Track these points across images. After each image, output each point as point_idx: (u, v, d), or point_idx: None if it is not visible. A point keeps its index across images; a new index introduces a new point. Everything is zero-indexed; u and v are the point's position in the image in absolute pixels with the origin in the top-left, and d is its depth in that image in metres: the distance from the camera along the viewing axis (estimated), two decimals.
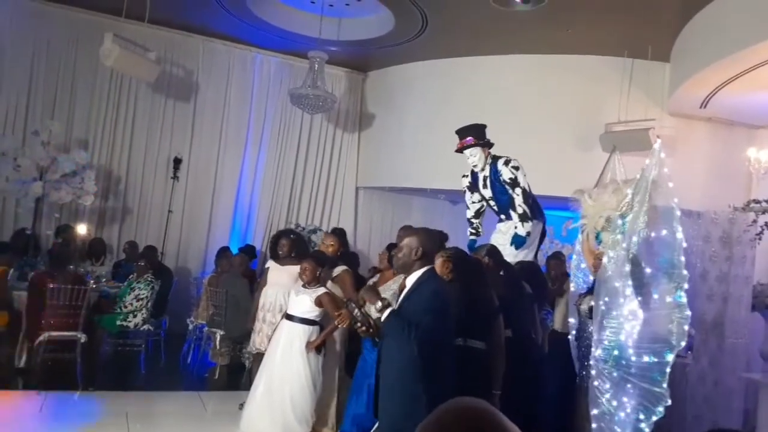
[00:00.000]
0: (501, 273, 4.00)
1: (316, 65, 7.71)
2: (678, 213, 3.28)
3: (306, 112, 8.05)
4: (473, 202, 5.58)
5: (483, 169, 5.33)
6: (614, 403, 3.17)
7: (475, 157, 5.32)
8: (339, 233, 5.70)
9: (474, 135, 5.31)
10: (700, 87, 6.29)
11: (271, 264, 5.36)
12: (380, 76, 9.42)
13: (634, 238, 3.23)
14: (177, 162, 8.44)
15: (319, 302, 4.71)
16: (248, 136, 8.98)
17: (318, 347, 4.74)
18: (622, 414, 3.15)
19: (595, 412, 3.28)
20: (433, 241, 3.32)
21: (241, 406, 4.91)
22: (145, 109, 8.36)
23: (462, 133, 5.40)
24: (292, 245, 5.31)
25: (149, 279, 6.35)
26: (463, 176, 5.59)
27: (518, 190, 5.13)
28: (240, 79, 8.88)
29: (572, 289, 4.27)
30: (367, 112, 9.58)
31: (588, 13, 6.36)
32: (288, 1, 7.59)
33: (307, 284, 4.77)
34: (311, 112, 8.07)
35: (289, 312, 4.79)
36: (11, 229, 7.52)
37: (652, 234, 3.25)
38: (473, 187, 5.50)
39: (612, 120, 7.04)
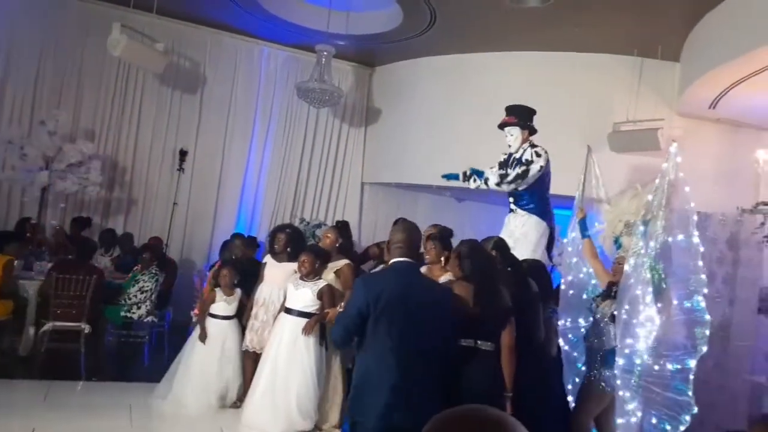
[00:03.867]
0: (508, 269, 3.94)
1: (324, 59, 7.68)
2: (695, 218, 3.25)
3: (312, 106, 8.03)
4: (497, 171, 5.60)
5: (517, 151, 5.38)
6: (639, 414, 3.14)
7: (512, 136, 5.40)
8: (340, 226, 5.67)
9: (517, 115, 5.40)
10: (709, 87, 6.24)
11: (268, 259, 5.33)
12: (387, 72, 9.38)
13: (652, 243, 3.20)
14: (183, 154, 8.43)
15: (321, 295, 4.72)
16: (254, 129, 8.97)
17: (321, 339, 4.75)
18: (649, 425, 3.12)
19: (620, 421, 3.25)
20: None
21: (236, 404, 4.90)
22: (151, 100, 8.35)
23: (509, 110, 5.49)
24: (289, 240, 5.28)
25: (153, 271, 6.36)
26: (502, 154, 5.61)
27: (521, 168, 5.18)
28: (247, 72, 8.86)
29: (571, 292, 4.24)
30: (373, 108, 9.55)
31: (597, 10, 6.31)
32: None
33: (305, 277, 4.77)
34: (318, 106, 8.05)
35: (289, 306, 4.78)
36: (17, 218, 7.54)
37: (669, 239, 3.22)
38: (504, 164, 5.50)
39: (620, 119, 6.99)
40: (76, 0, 7.84)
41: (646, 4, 5.98)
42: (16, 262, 5.93)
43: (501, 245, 4.02)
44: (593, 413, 3.80)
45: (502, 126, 5.47)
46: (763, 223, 5.41)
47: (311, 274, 4.77)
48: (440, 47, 8.12)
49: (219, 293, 5.19)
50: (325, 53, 7.63)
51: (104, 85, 8.09)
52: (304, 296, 4.76)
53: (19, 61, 7.64)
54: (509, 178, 5.25)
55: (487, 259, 3.60)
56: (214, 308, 5.17)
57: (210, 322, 5.14)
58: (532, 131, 5.45)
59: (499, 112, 6.64)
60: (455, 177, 5.50)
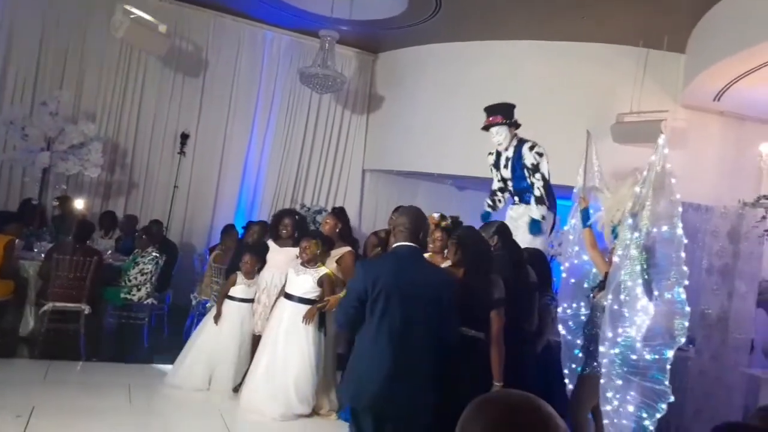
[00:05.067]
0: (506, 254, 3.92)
1: (327, 44, 7.66)
2: (680, 209, 3.26)
3: (315, 91, 8.01)
4: (498, 180, 5.65)
5: (507, 149, 5.37)
6: (617, 402, 3.17)
7: (500, 135, 5.37)
8: (338, 212, 5.66)
9: (503, 114, 5.35)
10: (714, 80, 6.22)
11: (270, 244, 5.32)
12: (391, 58, 9.34)
13: (636, 234, 3.21)
14: (184, 137, 8.42)
15: (321, 282, 4.73)
16: (256, 114, 8.94)
17: (320, 325, 4.77)
18: (626, 411, 3.15)
19: (606, 408, 3.29)
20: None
21: (236, 389, 4.93)
22: (153, 82, 8.32)
23: (490, 110, 5.44)
24: (295, 225, 5.29)
25: (154, 254, 6.36)
26: (489, 153, 5.65)
27: (538, 176, 5.21)
28: (250, 56, 8.82)
29: (572, 280, 4.25)
30: (376, 94, 9.51)
31: (604, 1, 6.27)
32: None
33: (306, 263, 4.78)
34: (320, 92, 8.03)
35: (289, 291, 4.79)
36: (18, 198, 7.54)
37: (654, 230, 3.23)
38: (496, 165, 5.54)
39: (624, 110, 6.97)
40: None
41: None
42: (17, 242, 5.94)
43: (502, 230, 4.01)
44: (590, 405, 3.83)
45: (487, 127, 5.44)
46: (764, 217, 5.40)
47: (313, 260, 4.78)
48: (444, 35, 8.07)
49: (240, 276, 5.23)
50: (328, 39, 7.60)
51: (106, 66, 8.05)
52: (305, 283, 4.76)
53: (21, 42, 7.61)
54: (540, 195, 5.20)
55: (480, 246, 3.56)
56: (234, 291, 5.21)
57: (228, 304, 5.19)
58: (517, 126, 5.43)
59: (502, 101, 6.58)
60: (537, 227, 5.21)
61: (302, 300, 4.72)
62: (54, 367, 5.14)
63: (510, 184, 5.50)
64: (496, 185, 5.69)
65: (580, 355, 3.97)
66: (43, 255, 5.93)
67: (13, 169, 7.52)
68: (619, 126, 6.94)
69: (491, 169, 5.67)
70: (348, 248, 5.20)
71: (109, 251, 6.90)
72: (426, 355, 3.02)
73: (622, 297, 3.23)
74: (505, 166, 5.43)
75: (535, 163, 5.21)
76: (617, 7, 6.35)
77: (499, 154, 5.51)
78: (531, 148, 5.26)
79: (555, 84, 7.49)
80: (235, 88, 8.76)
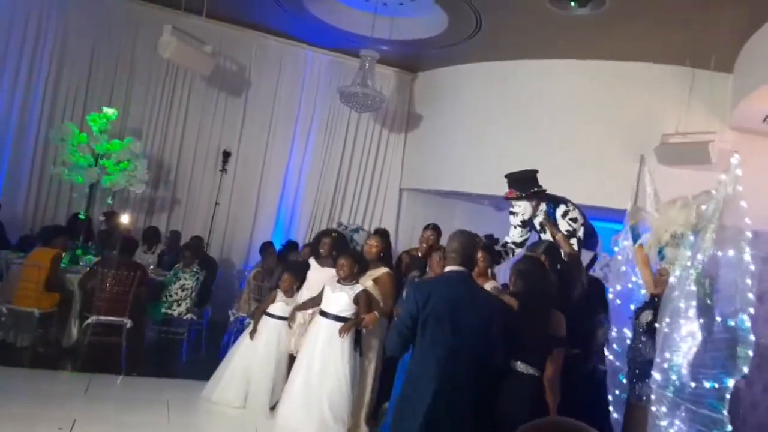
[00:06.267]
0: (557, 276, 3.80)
1: (367, 64, 7.71)
2: (749, 234, 3.13)
3: (354, 110, 8.06)
4: (521, 235, 5.30)
5: (536, 216, 5.04)
6: (670, 430, 3.05)
7: (519, 207, 5.04)
8: (383, 234, 5.66)
9: (517, 188, 4.96)
10: (764, 101, 6.02)
11: (312, 263, 5.37)
12: (430, 77, 9.35)
13: (699, 256, 3.10)
14: (226, 155, 8.58)
15: (357, 300, 4.71)
16: (296, 132, 9.06)
17: (356, 344, 4.74)
18: None
19: None
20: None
21: (273, 408, 4.93)
22: (197, 101, 8.52)
23: (508, 181, 5.07)
24: (333, 244, 5.31)
25: (195, 269, 6.46)
26: (511, 213, 5.23)
27: (574, 240, 4.87)
28: (291, 76, 8.96)
29: (618, 302, 4.14)
30: (414, 113, 9.53)
31: (649, 19, 6.16)
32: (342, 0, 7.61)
33: (343, 280, 4.77)
34: (360, 111, 8.08)
35: (325, 309, 4.78)
36: (65, 212, 7.77)
37: (719, 253, 3.12)
38: (526, 224, 5.24)
39: (669, 131, 6.80)
40: (130, 2, 8.05)
41: (700, 14, 5.81)
42: (63, 255, 6.10)
43: (551, 250, 3.92)
44: None
45: (507, 199, 5.10)
46: None
47: (349, 278, 4.77)
48: (485, 54, 8.05)
49: (279, 293, 5.26)
50: (369, 58, 7.66)
51: (153, 84, 8.29)
52: (341, 300, 4.75)
53: (72, 61, 7.90)
54: (577, 244, 4.89)
55: (543, 280, 3.46)
56: (272, 308, 5.24)
57: (266, 321, 5.22)
58: (540, 194, 4.95)
59: (544, 121, 6.50)
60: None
61: (338, 318, 4.71)
62: (96, 380, 5.23)
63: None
64: (515, 238, 5.29)
65: (625, 381, 3.85)
66: (87, 268, 6.08)
67: (62, 183, 7.76)
68: (664, 147, 6.77)
69: (515, 227, 5.27)
70: (386, 269, 5.18)
71: (152, 266, 7.03)
72: (473, 383, 2.99)
73: (673, 319, 3.12)
74: (542, 231, 5.06)
75: (570, 229, 4.88)
76: (663, 26, 6.23)
77: (530, 219, 5.15)
78: (564, 216, 4.91)
79: (597, 104, 7.38)
80: (276, 106, 8.90)
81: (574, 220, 4.90)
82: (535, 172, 5.07)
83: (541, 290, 3.40)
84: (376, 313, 4.71)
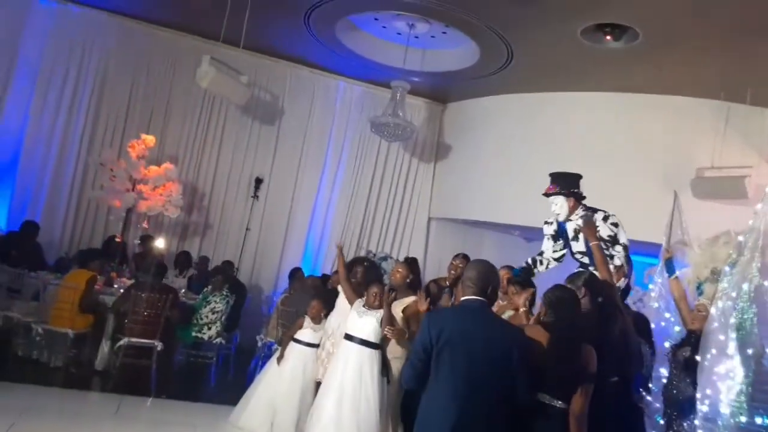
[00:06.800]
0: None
1: (398, 95, 7.82)
2: None
3: (385, 140, 8.15)
4: (555, 251, 5.16)
5: (570, 220, 4.93)
6: None
7: (556, 205, 4.95)
8: (410, 262, 5.67)
9: (559, 184, 4.94)
10: None
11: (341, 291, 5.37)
12: (460, 108, 9.43)
13: (745, 286, 3.03)
14: (258, 182, 8.73)
15: (382, 322, 4.67)
16: (326, 160, 9.19)
17: (384, 371, 4.69)
18: None
19: None
20: None
21: None
22: (232, 129, 8.73)
23: (551, 178, 5.06)
24: (366, 272, 5.32)
25: (225, 293, 6.53)
26: (546, 223, 5.19)
27: (619, 248, 4.70)
28: (323, 106, 9.13)
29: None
30: (443, 143, 9.59)
31: (683, 52, 6.15)
32: (375, 32, 7.76)
33: (370, 306, 4.75)
34: (390, 140, 8.16)
35: (351, 333, 4.75)
36: (101, 235, 7.96)
37: (766, 283, 3.04)
38: (558, 236, 5.12)
39: (704, 164, 6.71)
40: (170, 33, 8.33)
41: (736, 46, 5.78)
42: (98, 277, 6.24)
43: (592, 282, 3.73)
44: None
45: (547, 194, 5.03)
46: None
47: (379, 306, 4.76)
48: (515, 85, 8.10)
49: (307, 320, 5.27)
50: (400, 89, 7.76)
51: (189, 113, 8.52)
52: (368, 325, 4.71)
53: (112, 88, 8.18)
54: (621, 265, 4.71)
55: (573, 312, 3.31)
56: (300, 334, 5.23)
57: (293, 348, 5.20)
58: (579, 198, 4.93)
59: (574, 154, 6.47)
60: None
61: (364, 342, 4.68)
62: (126, 402, 5.28)
63: (585, 258, 4.95)
64: (549, 255, 5.19)
65: (662, 422, 3.74)
66: (122, 291, 6.19)
67: (99, 207, 7.96)
68: (699, 181, 6.68)
69: (548, 239, 5.17)
70: (414, 298, 5.16)
71: (182, 290, 7.13)
72: (492, 417, 2.90)
73: (715, 353, 3.03)
74: (575, 239, 4.93)
75: (612, 234, 4.71)
76: (697, 59, 6.21)
77: (562, 226, 5.04)
78: (605, 219, 4.76)
79: (630, 137, 7.33)
80: (308, 135, 9.05)
81: (616, 225, 4.72)
82: (579, 176, 5.04)
83: (571, 321, 3.26)
84: (402, 327, 4.67)
